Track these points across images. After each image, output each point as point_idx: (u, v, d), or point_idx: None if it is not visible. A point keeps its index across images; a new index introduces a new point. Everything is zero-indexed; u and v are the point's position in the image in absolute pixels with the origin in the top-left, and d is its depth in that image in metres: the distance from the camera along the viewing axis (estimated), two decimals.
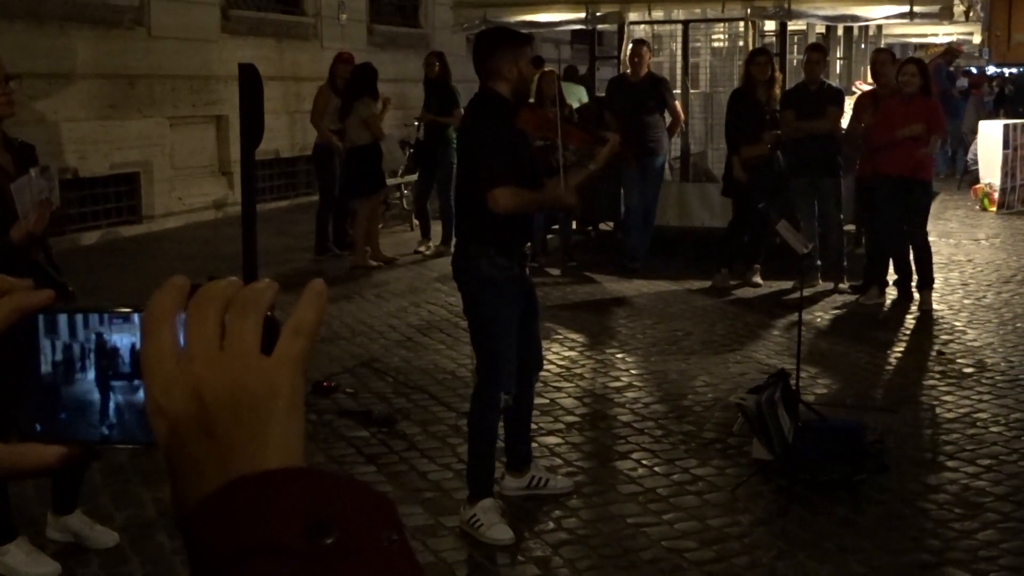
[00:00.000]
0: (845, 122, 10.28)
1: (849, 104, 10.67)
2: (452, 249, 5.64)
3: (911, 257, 9.32)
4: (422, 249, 11.96)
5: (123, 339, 0.80)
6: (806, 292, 9.12)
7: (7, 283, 0.80)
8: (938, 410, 6.82)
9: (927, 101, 9.06)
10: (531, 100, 5.57)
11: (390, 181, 12.93)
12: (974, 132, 16.81)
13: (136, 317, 0.80)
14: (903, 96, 9.03)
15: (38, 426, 0.81)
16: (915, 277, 9.37)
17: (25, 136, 4.98)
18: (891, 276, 9.63)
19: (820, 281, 10.07)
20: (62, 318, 0.81)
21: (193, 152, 14.14)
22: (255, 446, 0.72)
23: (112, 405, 0.80)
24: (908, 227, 9.17)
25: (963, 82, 21.10)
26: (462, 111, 11.31)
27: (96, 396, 0.80)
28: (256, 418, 0.73)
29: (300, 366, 0.75)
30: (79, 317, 0.81)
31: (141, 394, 0.78)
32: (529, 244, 5.16)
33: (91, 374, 0.80)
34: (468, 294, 5.11)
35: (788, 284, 10.02)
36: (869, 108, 9.60)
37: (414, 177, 13.35)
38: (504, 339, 4.99)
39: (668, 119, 11.17)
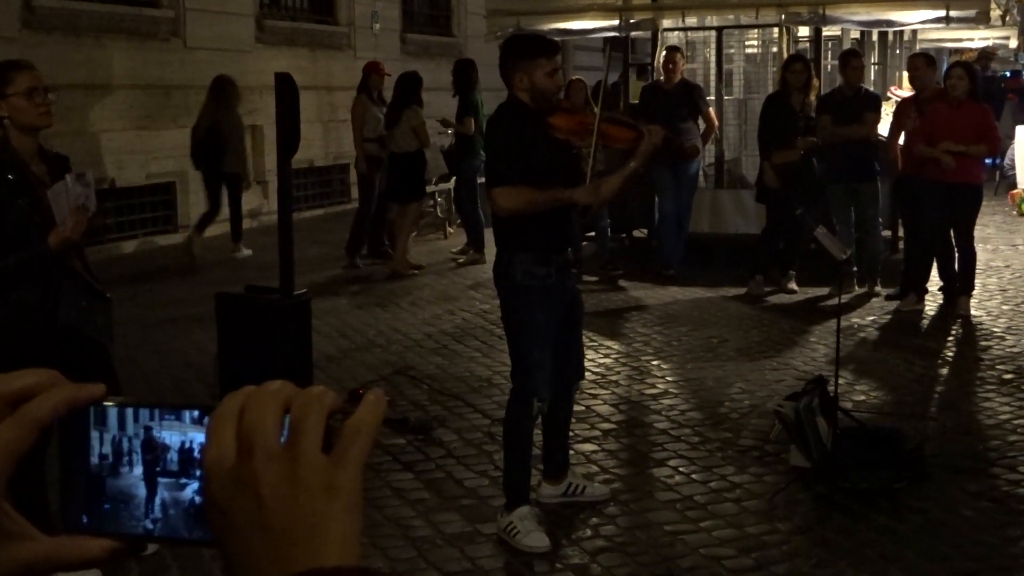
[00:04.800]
0: (883, 127, 10.20)
1: (886, 110, 10.59)
2: (486, 256, 5.62)
3: (955, 263, 9.24)
4: (455, 251, 12.02)
5: (172, 436, 0.80)
6: (842, 298, 9.08)
7: (58, 377, 0.81)
8: (978, 417, 6.75)
9: (977, 107, 8.95)
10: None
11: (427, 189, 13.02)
12: (1010, 137, 16.65)
13: (187, 414, 0.80)
14: (951, 101, 8.93)
15: (85, 518, 0.81)
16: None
17: (63, 146, 5.02)
18: (931, 283, 9.57)
19: (856, 287, 10.01)
20: (112, 411, 0.81)
21: None
22: (312, 543, 0.73)
23: (158, 501, 0.80)
24: (955, 232, 9.09)
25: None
26: (473, 120, 11.43)
27: (142, 491, 0.80)
28: (314, 515, 0.73)
29: (359, 466, 0.76)
30: (129, 411, 0.81)
31: (188, 492, 0.79)
32: (570, 251, 5.10)
33: (138, 469, 0.80)
34: (502, 300, 5.11)
35: (824, 291, 9.96)
36: (911, 114, 9.48)
37: (447, 185, 13.41)
38: (537, 346, 4.96)
39: (702, 126, 11.15)
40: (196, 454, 0.79)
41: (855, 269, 9.96)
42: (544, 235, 4.93)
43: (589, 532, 5.15)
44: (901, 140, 9.56)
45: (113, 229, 12.24)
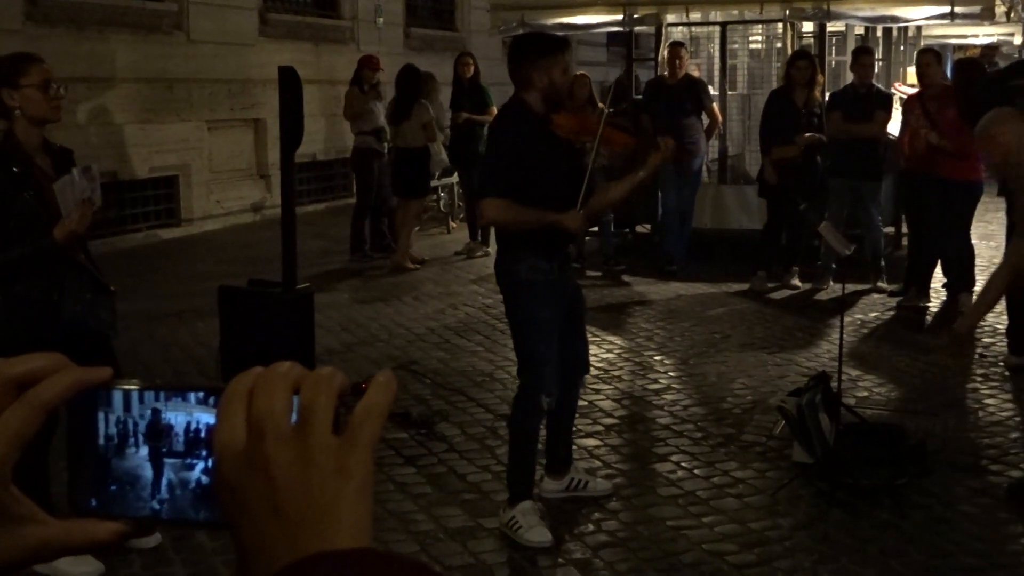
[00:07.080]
0: (892, 126, 10.17)
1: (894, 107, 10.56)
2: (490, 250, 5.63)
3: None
4: (462, 248, 12.01)
5: (178, 417, 0.80)
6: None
7: (64, 361, 0.80)
8: (980, 413, 6.75)
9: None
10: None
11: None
12: None
13: (192, 395, 0.80)
14: (951, 97, 8.92)
15: (93, 501, 0.81)
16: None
17: (66, 139, 5.02)
18: (934, 279, 9.56)
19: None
20: (118, 392, 0.81)
21: (231, 155, 14.22)
22: (324, 526, 0.73)
23: (164, 482, 0.80)
24: (953, 227, 9.08)
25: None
26: (495, 109, 11.43)
27: (148, 472, 0.80)
28: (326, 497, 0.73)
29: (370, 448, 0.75)
30: (135, 393, 0.81)
31: (194, 473, 0.79)
32: (572, 246, 5.10)
33: (144, 450, 0.80)
34: (507, 296, 5.10)
35: (823, 286, 9.96)
36: (916, 110, 9.46)
37: (450, 180, 13.41)
38: (543, 342, 4.96)
39: (705, 121, 11.14)
40: (202, 435, 0.79)
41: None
42: (548, 232, 4.92)
43: (591, 527, 5.16)
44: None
45: (116, 223, 12.22)
